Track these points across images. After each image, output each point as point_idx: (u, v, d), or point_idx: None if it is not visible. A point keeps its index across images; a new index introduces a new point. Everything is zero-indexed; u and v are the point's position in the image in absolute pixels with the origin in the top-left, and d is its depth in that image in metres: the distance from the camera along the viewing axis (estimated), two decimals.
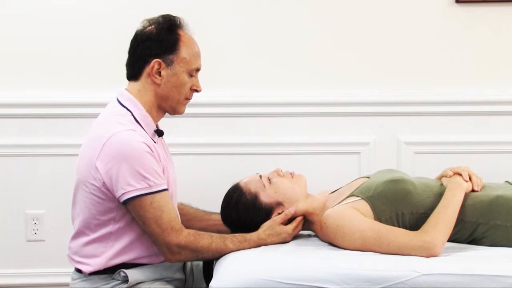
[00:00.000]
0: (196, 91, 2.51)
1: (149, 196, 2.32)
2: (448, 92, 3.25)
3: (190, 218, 2.70)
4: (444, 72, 3.26)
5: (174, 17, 2.48)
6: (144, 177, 2.31)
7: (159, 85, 2.44)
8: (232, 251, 2.39)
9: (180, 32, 2.46)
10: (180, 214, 2.68)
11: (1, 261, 3.26)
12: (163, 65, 2.42)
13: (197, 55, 2.48)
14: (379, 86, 3.25)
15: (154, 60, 2.41)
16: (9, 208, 3.25)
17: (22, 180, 3.24)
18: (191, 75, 2.47)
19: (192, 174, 3.19)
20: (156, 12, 2.52)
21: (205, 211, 2.73)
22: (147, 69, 2.43)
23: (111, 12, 3.20)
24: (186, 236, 2.36)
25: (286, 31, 3.25)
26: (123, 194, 2.31)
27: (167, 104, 2.47)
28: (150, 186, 2.32)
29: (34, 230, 3.25)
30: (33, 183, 3.24)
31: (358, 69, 3.26)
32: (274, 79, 3.25)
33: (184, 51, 2.44)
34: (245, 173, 2.66)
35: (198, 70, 2.50)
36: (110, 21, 3.18)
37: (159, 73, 2.43)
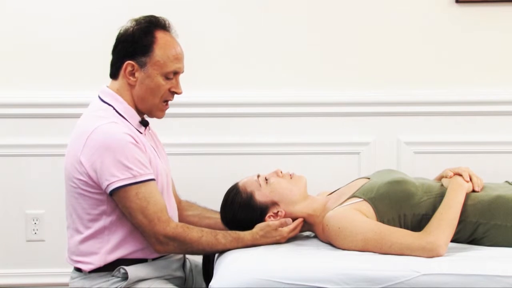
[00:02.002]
0: (176, 93, 2.49)
1: (134, 187, 2.32)
2: (448, 92, 3.25)
3: (198, 215, 2.70)
4: (444, 72, 3.26)
5: (156, 18, 2.47)
6: (128, 167, 2.32)
7: (133, 86, 2.44)
8: (225, 246, 2.39)
9: (159, 34, 2.44)
10: (188, 211, 2.71)
11: (1, 261, 3.26)
12: (136, 66, 2.42)
13: (174, 58, 2.44)
14: (380, 86, 3.26)
15: (127, 62, 2.42)
16: (9, 208, 3.25)
17: (22, 180, 3.24)
18: (167, 78, 2.44)
19: (192, 174, 3.19)
20: (147, 13, 2.51)
21: (213, 210, 2.73)
22: (122, 70, 2.44)
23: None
24: (174, 227, 2.36)
25: (286, 31, 3.25)
26: (108, 185, 2.32)
27: (144, 107, 2.47)
28: (134, 176, 2.32)
29: (34, 230, 3.25)
30: (33, 183, 3.24)
31: (358, 69, 3.26)
32: (274, 79, 3.25)
33: (158, 54, 2.42)
34: (245, 173, 2.66)
35: (176, 73, 2.47)
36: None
37: (133, 75, 2.43)
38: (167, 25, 2.47)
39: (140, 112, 2.49)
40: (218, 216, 2.62)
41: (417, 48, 3.26)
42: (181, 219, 2.61)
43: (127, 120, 2.43)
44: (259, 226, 2.46)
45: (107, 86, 2.49)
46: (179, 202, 2.71)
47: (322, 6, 3.24)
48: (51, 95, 3.21)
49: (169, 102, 2.52)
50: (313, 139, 3.26)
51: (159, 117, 2.51)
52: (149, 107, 2.47)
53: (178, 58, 2.46)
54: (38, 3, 3.21)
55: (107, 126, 2.35)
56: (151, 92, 2.44)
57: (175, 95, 2.50)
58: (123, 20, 2.50)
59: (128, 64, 2.42)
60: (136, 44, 2.42)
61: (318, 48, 3.25)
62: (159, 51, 2.42)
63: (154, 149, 2.48)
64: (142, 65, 2.42)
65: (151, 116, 2.51)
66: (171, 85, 2.46)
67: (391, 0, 3.25)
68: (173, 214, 2.51)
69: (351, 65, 3.26)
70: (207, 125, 3.24)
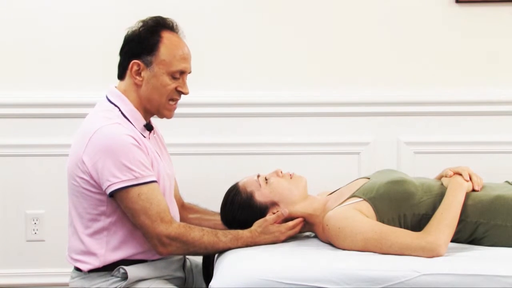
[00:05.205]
0: (182, 93, 2.49)
1: (136, 188, 2.32)
2: (448, 92, 3.26)
3: (199, 217, 2.70)
4: (444, 72, 3.27)
5: (164, 18, 2.47)
6: (130, 168, 2.32)
7: (140, 86, 2.44)
8: (225, 244, 2.39)
9: (165, 34, 2.44)
10: (190, 212, 2.71)
11: (1, 261, 3.26)
12: (142, 66, 2.42)
13: (180, 58, 2.44)
14: (379, 86, 3.26)
15: (133, 61, 2.42)
16: (9, 208, 3.25)
17: (22, 180, 3.25)
18: (174, 77, 2.44)
19: (192, 174, 3.19)
20: (154, 14, 2.51)
21: (214, 211, 2.73)
22: (129, 70, 2.44)
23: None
24: (176, 227, 2.36)
25: (286, 31, 3.25)
26: (109, 186, 2.32)
27: (151, 106, 2.47)
28: (136, 177, 2.32)
29: (34, 230, 3.25)
30: (33, 183, 3.24)
31: (358, 70, 3.26)
32: (274, 80, 3.25)
33: (163, 53, 2.42)
34: (245, 173, 2.66)
35: (183, 72, 2.46)
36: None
37: (140, 74, 2.43)
38: (174, 26, 2.48)
39: (147, 114, 2.49)
40: (218, 217, 2.62)
41: (417, 48, 3.26)
42: (182, 221, 2.61)
43: (131, 123, 2.43)
44: (257, 223, 2.47)
45: (115, 87, 2.49)
46: (182, 204, 2.71)
47: (322, 6, 3.24)
48: (52, 95, 3.21)
49: None
50: (313, 139, 3.26)
51: (168, 116, 2.51)
52: (156, 107, 2.47)
53: (185, 58, 2.46)
54: (41, 1, 3.21)
55: (110, 127, 2.35)
56: (157, 91, 2.44)
57: (182, 95, 2.50)
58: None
59: (134, 63, 2.42)
60: (142, 44, 2.42)
61: (318, 48, 3.25)
62: (165, 50, 2.42)
63: (158, 154, 2.48)
64: (148, 64, 2.42)
65: (160, 116, 2.51)
66: (178, 85, 2.46)
67: (391, 1, 3.25)
68: (175, 217, 2.51)
69: (351, 65, 3.26)
70: (206, 125, 3.24)
